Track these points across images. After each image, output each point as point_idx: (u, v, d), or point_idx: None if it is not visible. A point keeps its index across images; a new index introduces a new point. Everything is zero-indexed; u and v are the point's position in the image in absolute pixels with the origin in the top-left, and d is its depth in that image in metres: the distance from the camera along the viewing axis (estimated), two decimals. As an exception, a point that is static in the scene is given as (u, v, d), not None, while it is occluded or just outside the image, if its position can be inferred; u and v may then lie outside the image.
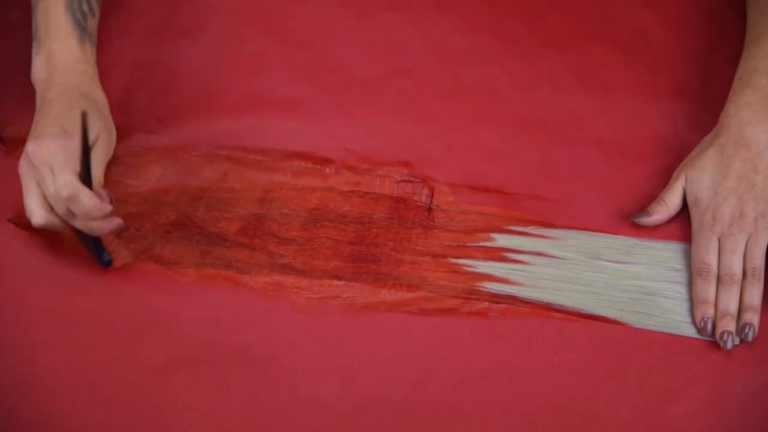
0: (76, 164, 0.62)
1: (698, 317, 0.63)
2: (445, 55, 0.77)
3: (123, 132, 0.73)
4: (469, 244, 0.68)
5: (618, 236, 0.68)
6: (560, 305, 0.65)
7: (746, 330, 0.62)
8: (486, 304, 0.65)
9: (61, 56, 0.68)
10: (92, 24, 0.70)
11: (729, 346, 0.62)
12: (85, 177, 0.62)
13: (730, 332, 0.62)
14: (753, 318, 0.62)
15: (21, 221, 0.69)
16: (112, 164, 0.72)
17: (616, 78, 0.75)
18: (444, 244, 0.68)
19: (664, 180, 0.70)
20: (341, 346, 0.64)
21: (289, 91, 0.75)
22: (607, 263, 0.67)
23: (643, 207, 0.68)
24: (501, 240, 0.68)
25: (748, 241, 0.64)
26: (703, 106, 0.73)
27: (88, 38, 0.69)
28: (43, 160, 0.62)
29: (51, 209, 0.63)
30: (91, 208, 0.62)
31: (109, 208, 0.62)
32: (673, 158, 0.71)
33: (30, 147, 0.63)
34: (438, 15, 0.79)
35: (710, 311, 0.63)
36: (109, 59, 0.77)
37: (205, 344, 0.64)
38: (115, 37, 0.78)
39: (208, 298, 0.66)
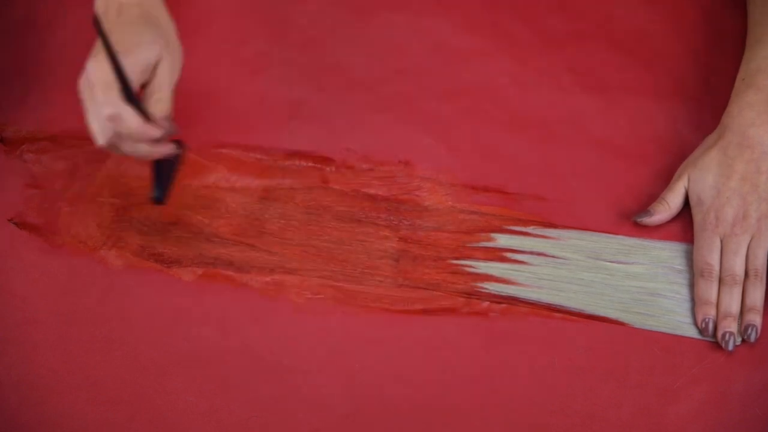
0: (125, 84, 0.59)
1: (699, 318, 0.64)
2: (445, 55, 0.77)
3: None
4: (469, 245, 0.68)
5: (618, 236, 0.68)
6: (561, 305, 0.65)
7: (749, 331, 0.62)
8: (487, 304, 0.65)
9: None
10: None
11: (730, 347, 0.62)
12: (129, 97, 0.59)
13: (731, 333, 0.62)
14: (755, 319, 0.62)
15: (21, 221, 0.69)
16: (114, 165, 0.72)
17: (616, 78, 0.75)
18: (444, 244, 0.68)
19: (664, 180, 0.70)
20: (341, 346, 0.64)
21: (289, 91, 0.75)
22: (608, 263, 0.67)
23: (644, 207, 0.68)
24: (501, 240, 0.68)
25: (750, 242, 0.64)
26: (703, 106, 0.73)
27: None
28: (91, 82, 0.59)
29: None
30: (135, 128, 0.59)
31: (155, 131, 0.59)
32: (673, 158, 0.71)
33: (87, 66, 0.59)
34: (438, 15, 0.79)
35: (712, 312, 0.63)
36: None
37: (205, 344, 0.64)
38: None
39: (208, 297, 0.66)
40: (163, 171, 0.64)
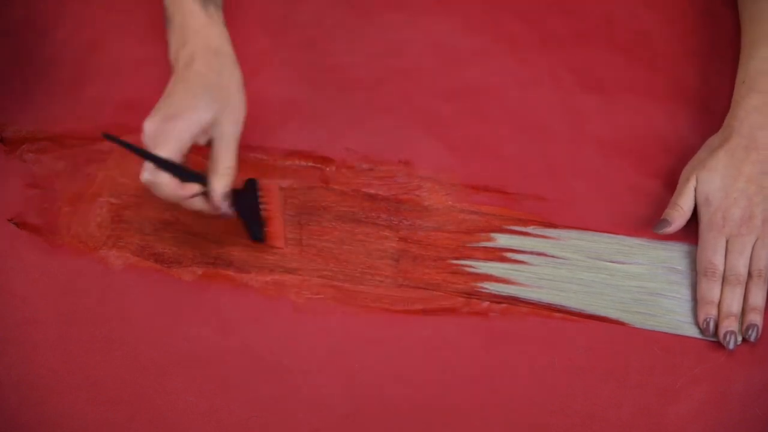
0: (169, 149, 0.62)
1: (701, 317, 0.64)
2: (445, 55, 0.77)
3: (124, 132, 0.73)
4: (469, 245, 0.68)
5: (618, 236, 0.68)
6: (561, 305, 0.65)
7: (750, 331, 0.62)
8: (487, 304, 0.65)
9: (190, 24, 0.67)
10: None
11: (731, 346, 0.62)
12: (165, 166, 0.62)
13: (733, 332, 0.62)
14: (757, 319, 0.63)
15: (21, 221, 0.69)
16: (114, 164, 0.72)
17: (616, 78, 0.75)
18: (444, 244, 0.68)
19: (663, 180, 0.70)
20: (341, 346, 0.64)
21: (289, 91, 0.75)
22: (608, 263, 0.67)
23: (643, 207, 0.69)
24: (501, 240, 0.68)
25: (755, 243, 0.64)
26: (703, 106, 0.73)
27: (212, 4, 0.69)
28: (146, 139, 0.63)
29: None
30: (169, 194, 0.62)
31: (188, 191, 0.62)
32: (673, 158, 0.71)
33: (144, 125, 0.63)
34: (438, 15, 0.79)
35: (713, 312, 0.64)
36: (110, 59, 0.77)
37: (205, 344, 0.64)
38: (115, 37, 0.78)
39: (208, 297, 0.66)
40: (248, 211, 0.66)
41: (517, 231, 0.69)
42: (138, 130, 0.74)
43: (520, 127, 0.73)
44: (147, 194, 0.70)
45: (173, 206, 0.66)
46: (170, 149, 0.62)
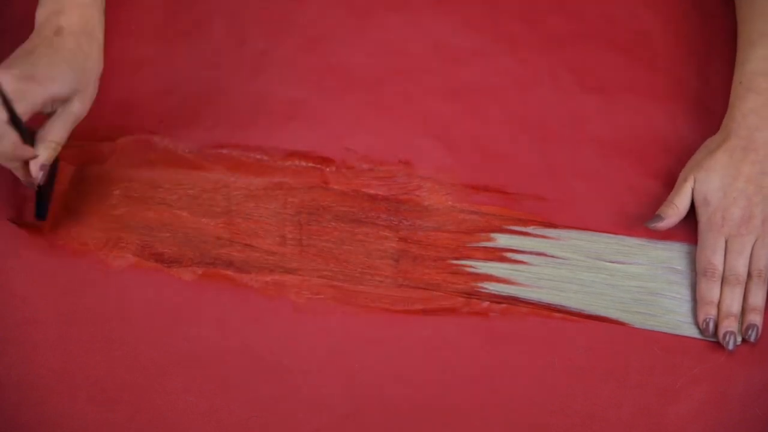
0: (21, 108, 0.61)
1: (701, 318, 0.64)
2: (445, 55, 0.77)
3: (124, 132, 0.73)
4: (469, 245, 0.68)
5: (618, 236, 0.68)
6: (561, 305, 0.65)
7: (750, 331, 0.62)
8: (487, 304, 0.65)
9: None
10: None
11: (731, 346, 0.62)
12: (14, 121, 0.62)
13: (732, 332, 0.62)
14: (756, 319, 0.63)
15: (21, 221, 0.69)
16: (115, 164, 0.72)
17: (616, 78, 0.75)
18: (444, 244, 0.68)
19: (663, 180, 0.70)
20: (341, 346, 0.64)
21: (289, 91, 0.75)
22: (608, 263, 0.67)
23: (643, 207, 0.68)
24: (501, 240, 0.68)
25: (755, 243, 0.64)
26: (703, 106, 0.73)
27: None
28: None
29: None
30: (9, 151, 0.62)
31: (27, 154, 0.62)
32: (673, 158, 0.71)
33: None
34: (438, 15, 0.79)
35: (713, 312, 0.64)
36: (110, 59, 0.77)
37: (205, 344, 0.64)
38: (115, 37, 0.78)
39: (208, 297, 0.66)
40: (44, 188, 0.67)
41: (517, 231, 0.69)
42: (137, 130, 0.74)
43: (520, 127, 0.73)
44: (148, 194, 0.71)
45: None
46: (22, 109, 0.62)
